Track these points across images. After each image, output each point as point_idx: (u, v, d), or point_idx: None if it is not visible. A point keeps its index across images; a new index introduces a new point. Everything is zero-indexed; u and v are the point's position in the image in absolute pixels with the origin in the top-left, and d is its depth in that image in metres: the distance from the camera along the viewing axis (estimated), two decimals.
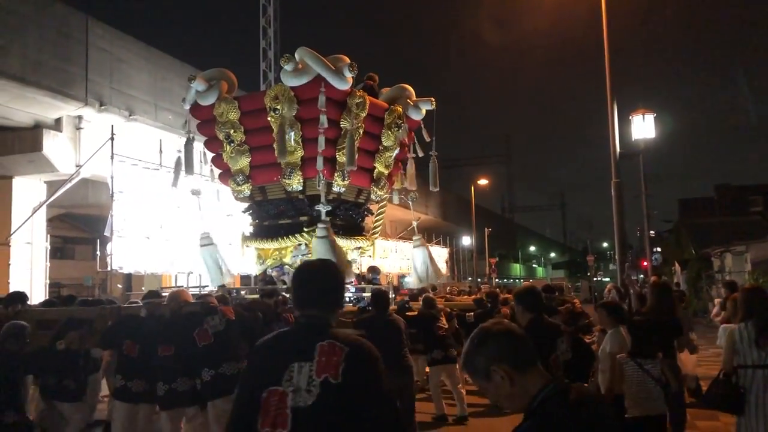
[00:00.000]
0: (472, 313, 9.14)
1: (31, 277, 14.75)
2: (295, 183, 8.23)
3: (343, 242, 8.58)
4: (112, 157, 10.99)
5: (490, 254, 40.13)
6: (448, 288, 15.77)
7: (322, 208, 7.90)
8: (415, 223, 10.67)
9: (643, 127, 14.37)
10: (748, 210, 34.88)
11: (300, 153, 8.08)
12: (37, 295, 13.67)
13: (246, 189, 8.70)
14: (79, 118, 14.90)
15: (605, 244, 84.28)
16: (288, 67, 7.80)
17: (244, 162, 8.55)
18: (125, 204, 10.97)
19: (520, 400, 1.80)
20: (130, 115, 15.35)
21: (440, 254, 30.25)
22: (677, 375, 5.66)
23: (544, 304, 4.59)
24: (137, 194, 11.22)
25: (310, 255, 8.05)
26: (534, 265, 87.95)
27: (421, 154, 9.71)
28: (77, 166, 14.45)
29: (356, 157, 8.09)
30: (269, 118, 8.04)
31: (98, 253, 12.77)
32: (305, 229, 8.27)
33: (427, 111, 9.40)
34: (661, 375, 4.92)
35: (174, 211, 11.70)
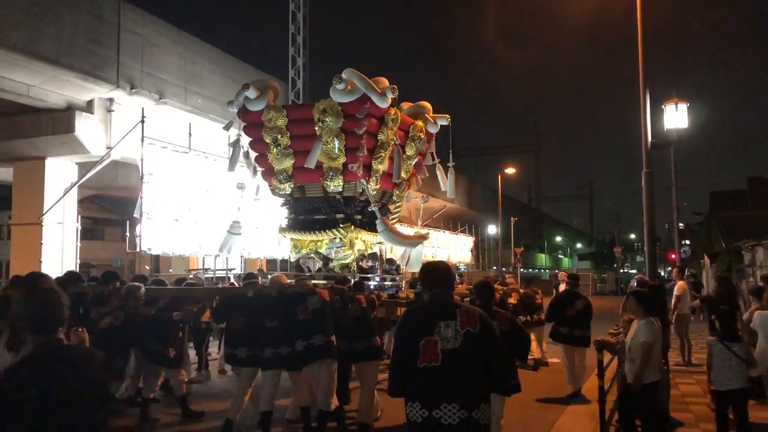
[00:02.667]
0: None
1: (62, 256, 15.06)
2: (335, 185, 9.38)
3: (367, 236, 9.80)
4: (142, 140, 11.10)
5: (515, 244, 39.76)
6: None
7: (375, 209, 9.38)
8: (424, 231, 12.13)
9: (676, 116, 14.03)
10: None
11: (342, 159, 9.23)
12: None
13: (287, 187, 9.81)
14: (111, 100, 15.10)
15: (633, 236, 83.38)
16: (339, 86, 8.90)
17: (288, 163, 9.65)
18: (154, 186, 11.07)
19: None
20: (160, 98, 15.52)
21: (465, 243, 30.12)
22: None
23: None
24: (166, 177, 11.31)
25: (344, 247, 9.52)
26: (560, 256, 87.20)
27: (436, 161, 11.21)
28: (108, 148, 14.67)
29: (402, 169, 9.49)
30: (316, 128, 9.14)
31: (127, 234, 12.95)
32: (341, 225, 9.44)
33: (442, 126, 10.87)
34: (748, 356, 5.81)
35: (202, 194, 11.83)
